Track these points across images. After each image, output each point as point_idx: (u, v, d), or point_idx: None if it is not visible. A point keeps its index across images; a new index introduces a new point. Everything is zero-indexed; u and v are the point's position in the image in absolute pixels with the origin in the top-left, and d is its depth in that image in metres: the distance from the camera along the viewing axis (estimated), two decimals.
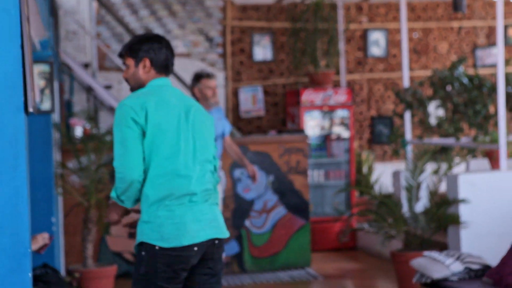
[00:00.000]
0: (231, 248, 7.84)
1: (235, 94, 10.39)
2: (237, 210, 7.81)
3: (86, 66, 9.75)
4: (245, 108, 10.37)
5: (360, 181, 9.37)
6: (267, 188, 7.98)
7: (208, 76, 6.43)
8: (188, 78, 9.87)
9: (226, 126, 6.82)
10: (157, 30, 10.04)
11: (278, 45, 10.51)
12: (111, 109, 9.56)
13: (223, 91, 10.30)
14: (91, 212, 6.73)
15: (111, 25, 9.88)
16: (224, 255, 7.82)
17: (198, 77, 6.47)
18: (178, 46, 10.14)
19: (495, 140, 6.78)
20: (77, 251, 7.42)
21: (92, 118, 8.49)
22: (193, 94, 6.47)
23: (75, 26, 9.81)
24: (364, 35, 10.71)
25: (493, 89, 7.81)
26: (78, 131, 7.47)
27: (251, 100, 10.36)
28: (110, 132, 6.93)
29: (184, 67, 10.10)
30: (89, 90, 9.69)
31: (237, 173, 7.88)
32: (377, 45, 10.73)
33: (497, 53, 6.74)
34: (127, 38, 9.66)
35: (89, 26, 9.98)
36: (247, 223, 7.87)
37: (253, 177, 6.75)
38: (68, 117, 7.92)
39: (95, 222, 6.76)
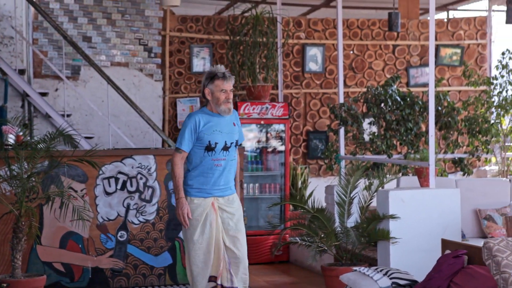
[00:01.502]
0: (164, 260, 7.82)
1: (173, 105, 10.38)
2: (171, 221, 7.80)
3: (21, 72, 9.61)
4: (182, 119, 10.36)
5: (294, 195, 9.46)
6: None
7: (224, 77, 5.39)
8: (125, 88, 9.83)
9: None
10: (96, 38, 9.97)
11: (217, 57, 10.55)
12: (47, 116, 9.44)
13: (160, 101, 10.28)
14: (22, 221, 6.63)
15: (48, 32, 9.76)
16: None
17: (211, 76, 5.41)
18: (116, 55, 10.09)
19: (424, 158, 6.95)
20: (6, 261, 7.28)
21: (26, 125, 8.37)
22: (203, 95, 5.48)
23: (12, 32, 9.66)
24: (302, 50, 10.85)
25: (425, 107, 8.02)
26: (11, 138, 7.35)
27: (189, 111, 10.36)
28: (44, 140, 6.84)
29: (122, 76, 10.06)
30: (24, 96, 9.54)
31: (172, 184, 7.87)
32: (315, 61, 10.89)
33: (429, 73, 6.92)
34: (64, 45, 9.55)
35: (26, 32, 9.84)
36: (181, 234, 7.86)
37: None
38: (1, 124, 7.79)
39: (25, 231, 6.65)
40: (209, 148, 5.38)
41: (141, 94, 10.14)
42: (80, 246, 7.61)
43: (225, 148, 5.42)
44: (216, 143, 5.38)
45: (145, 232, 7.77)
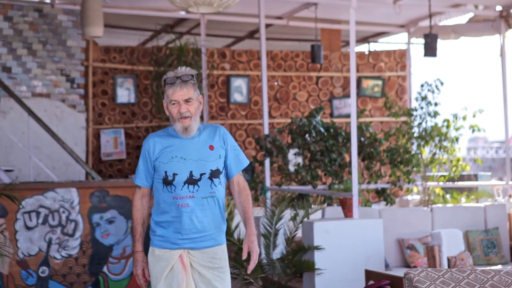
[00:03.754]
0: None
1: (97, 136, 10.23)
2: (95, 255, 7.64)
3: None
4: (106, 151, 10.22)
5: None
6: (127, 234, 7.87)
7: (173, 83, 3.90)
8: (47, 119, 9.64)
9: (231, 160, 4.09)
10: (16, 69, 9.76)
11: (142, 88, 10.48)
12: None
13: (84, 132, 10.12)
14: None
15: None
16: None
17: (164, 83, 3.97)
18: (38, 86, 9.90)
19: (348, 189, 7.03)
20: None
21: None
22: None
23: None
24: (226, 81, 10.89)
25: (348, 138, 8.15)
26: None
27: (113, 142, 10.24)
28: None
29: (43, 107, 9.86)
30: None
31: (96, 217, 7.74)
32: (240, 92, 10.95)
33: (351, 104, 7.04)
34: None
35: None
36: (105, 269, 7.72)
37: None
38: None
39: None
40: (166, 182, 3.93)
41: (64, 125, 9.96)
42: None
43: (191, 182, 3.91)
44: (174, 175, 3.91)
45: (67, 267, 7.59)
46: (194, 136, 3.95)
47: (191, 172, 3.92)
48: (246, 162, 4.10)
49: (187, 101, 3.90)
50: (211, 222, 3.95)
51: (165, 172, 3.92)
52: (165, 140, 3.98)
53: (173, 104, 3.90)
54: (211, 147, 3.98)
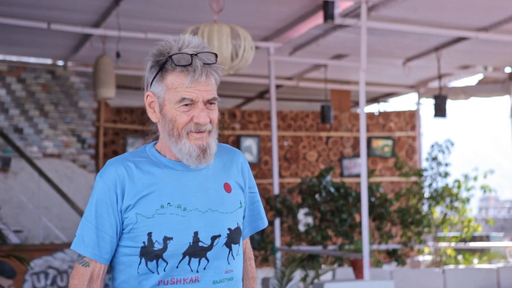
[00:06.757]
0: None
1: None
2: None
3: None
4: None
5: None
6: None
7: (187, 64, 2.02)
8: (58, 180, 9.65)
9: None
10: (27, 130, 9.83)
11: None
12: None
13: None
14: None
15: None
16: None
17: (161, 62, 2.06)
18: (49, 147, 9.95)
19: (359, 249, 6.96)
20: None
21: None
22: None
23: None
24: (237, 141, 10.92)
25: (358, 198, 8.11)
26: None
27: None
28: None
29: (54, 168, 9.89)
30: None
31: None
32: (250, 151, 10.97)
33: (361, 164, 7.02)
34: None
35: None
36: None
37: None
38: None
39: None
40: (150, 254, 2.07)
41: (74, 186, 9.97)
42: None
43: (196, 253, 2.08)
44: (166, 240, 2.06)
45: None
46: (199, 166, 2.11)
47: (195, 234, 2.07)
48: (266, 220, 2.32)
49: (210, 102, 2.07)
50: None
51: (149, 234, 2.04)
52: (146, 172, 2.09)
53: (185, 105, 2.05)
54: (227, 187, 2.15)
